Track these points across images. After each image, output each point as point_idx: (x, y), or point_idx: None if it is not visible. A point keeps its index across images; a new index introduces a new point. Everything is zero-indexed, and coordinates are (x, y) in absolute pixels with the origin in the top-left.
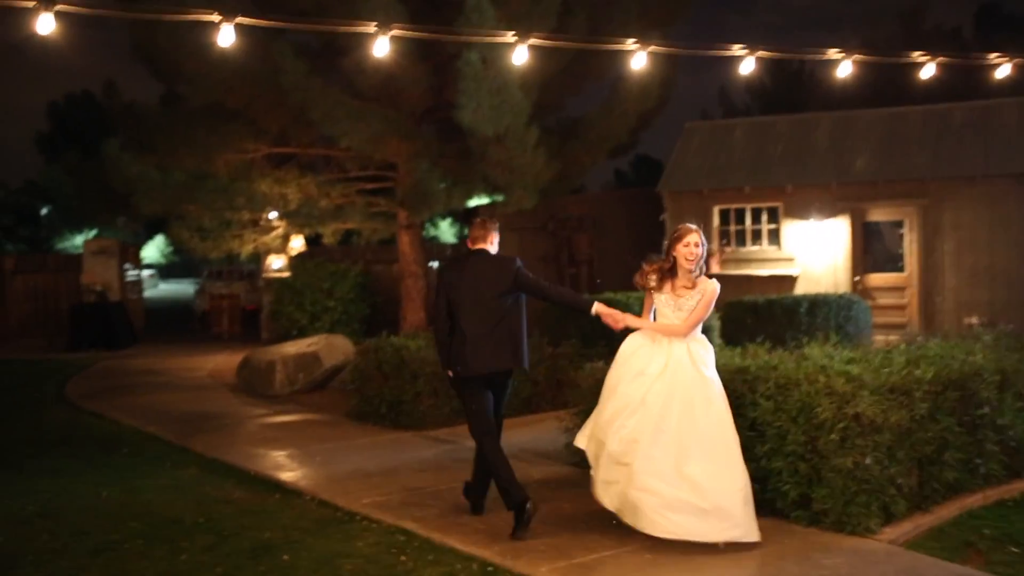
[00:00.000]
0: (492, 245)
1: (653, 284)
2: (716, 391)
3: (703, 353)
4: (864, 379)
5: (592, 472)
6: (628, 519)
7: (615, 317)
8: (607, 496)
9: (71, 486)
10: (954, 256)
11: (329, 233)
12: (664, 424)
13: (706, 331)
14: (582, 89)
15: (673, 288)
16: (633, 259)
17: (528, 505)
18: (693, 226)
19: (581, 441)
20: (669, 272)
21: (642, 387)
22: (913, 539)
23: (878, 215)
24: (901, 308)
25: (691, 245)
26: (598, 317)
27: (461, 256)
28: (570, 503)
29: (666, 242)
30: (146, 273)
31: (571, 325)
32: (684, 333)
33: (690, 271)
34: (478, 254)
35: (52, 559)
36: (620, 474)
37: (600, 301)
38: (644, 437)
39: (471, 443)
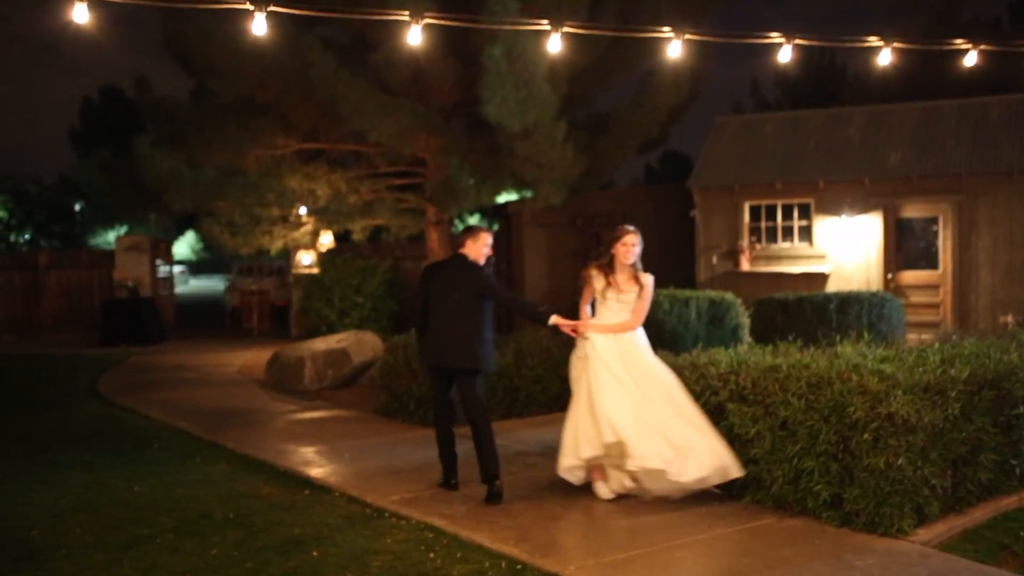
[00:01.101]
0: (472, 251)
1: (598, 282)
2: (661, 366)
3: (642, 338)
4: (897, 378)
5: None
6: (648, 484)
7: (571, 326)
8: (615, 483)
9: (103, 480)
10: (990, 253)
11: (358, 229)
12: (636, 399)
13: (736, 329)
14: (611, 84)
15: (615, 283)
16: (662, 256)
17: (451, 484)
18: (631, 228)
19: (570, 461)
20: (609, 267)
21: (610, 378)
22: (947, 541)
23: (912, 211)
24: (935, 306)
25: (628, 244)
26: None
27: (446, 258)
28: (599, 501)
29: (605, 244)
30: (177, 269)
31: None
32: (637, 326)
33: (628, 266)
34: (457, 258)
35: (85, 552)
36: (616, 455)
37: None
38: (626, 416)
39: (500, 440)
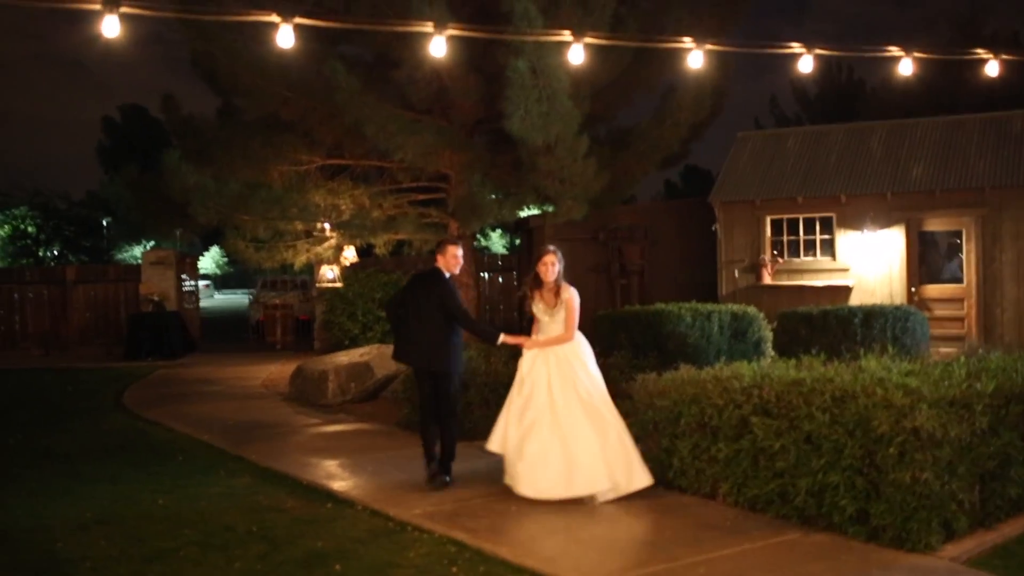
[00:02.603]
0: (443, 264)
1: (533, 301)
2: (586, 375)
3: (581, 347)
4: (923, 392)
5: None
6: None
7: (520, 342)
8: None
9: (128, 493)
10: (1014, 266)
11: (381, 244)
12: (547, 407)
13: (758, 342)
14: (633, 99)
15: (543, 298)
16: (684, 270)
17: (433, 481)
18: (551, 247)
19: (495, 445)
20: (536, 284)
21: (519, 399)
22: (976, 557)
23: (935, 225)
24: (959, 320)
25: (547, 263)
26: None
27: (428, 270)
28: (625, 515)
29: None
30: (202, 283)
31: (622, 335)
32: (571, 338)
33: (551, 283)
34: (433, 270)
35: (109, 565)
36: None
37: (651, 312)
38: (543, 420)
39: None
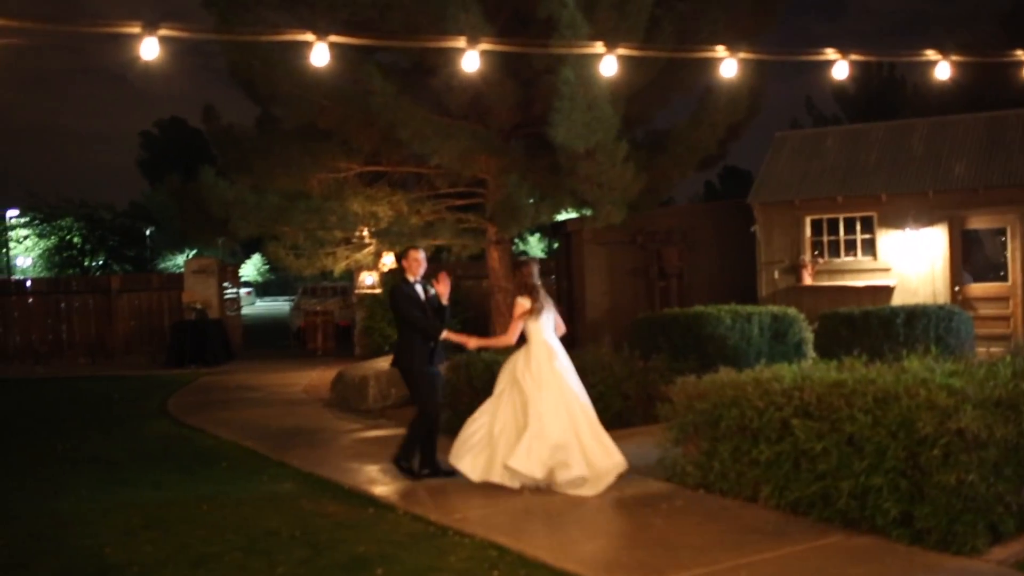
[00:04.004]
0: (409, 268)
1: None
2: (545, 377)
3: (540, 351)
4: (967, 392)
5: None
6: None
7: (461, 339)
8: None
9: (173, 498)
10: None
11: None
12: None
13: (799, 344)
14: (670, 102)
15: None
16: (724, 272)
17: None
18: (524, 259)
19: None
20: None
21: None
22: None
23: (978, 223)
24: (1004, 319)
25: (523, 275)
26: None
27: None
28: (662, 518)
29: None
30: (244, 291)
31: (661, 338)
32: (511, 341)
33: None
34: (401, 277)
35: (156, 569)
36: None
37: (690, 315)
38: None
39: None
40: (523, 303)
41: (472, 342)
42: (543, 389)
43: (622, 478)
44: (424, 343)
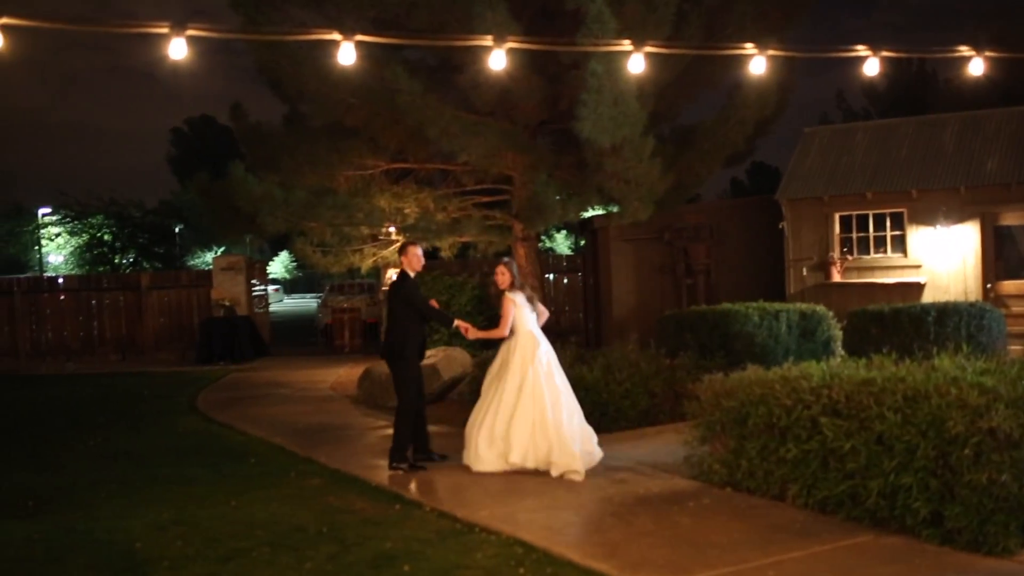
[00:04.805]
0: (407, 265)
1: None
2: (530, 369)
3: (526, 344)
4: (999, 391)
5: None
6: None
7: (466, 327)
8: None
9: (203, 494)
10: None
11: (446, 246)
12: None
13: (827, 341)
14: (697, 97)
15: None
16: (751, 269)
17: (403, 467)
18: (504, 259)
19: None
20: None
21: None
22: None
23: (1011, 219)
24: None
25: (496, 274)
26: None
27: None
28: (689, 517)
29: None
30: (272, 288)
31: (688, 336)
32: (504, 333)
33: (500, 290)
34: (401, 273)
35: (185, 564)
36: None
37: (717, 312)
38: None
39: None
40: (511, 298)
41: (472, 332)
42: (513, 380)
43: (647, 476)
44: (418, 335)
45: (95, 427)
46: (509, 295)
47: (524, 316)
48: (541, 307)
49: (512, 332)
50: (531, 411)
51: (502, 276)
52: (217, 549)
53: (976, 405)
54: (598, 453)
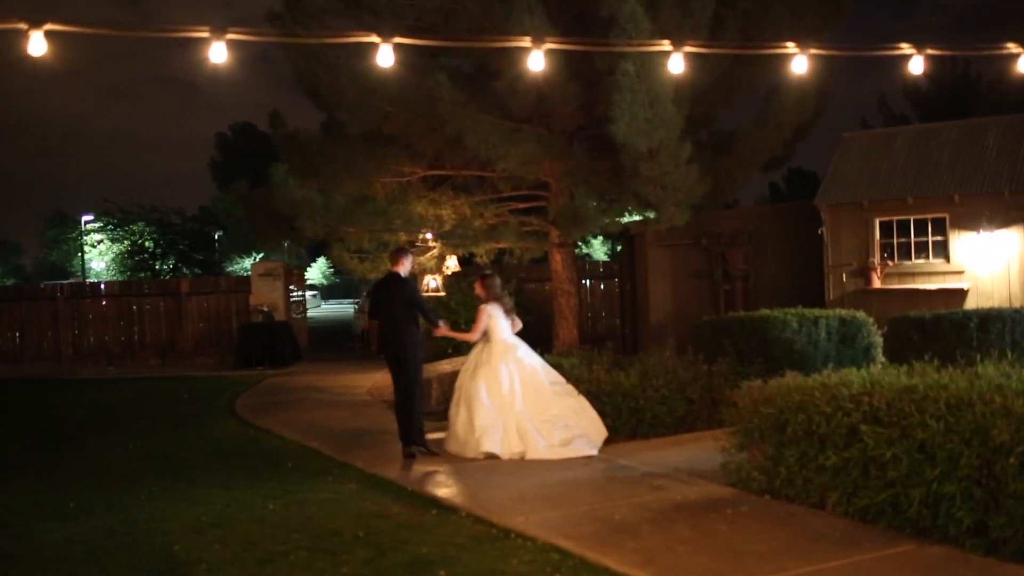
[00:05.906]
0: (402, 269)
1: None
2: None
3: (500, 349)
4: None
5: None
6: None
7: (443, 326)
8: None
9: (240, 497)
10: None
11: (482, 253)
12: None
13: (868, 348)
14: (734, 102)
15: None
16: (789, 274)
17: (411, 452)
18: (487, 271)
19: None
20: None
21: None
22: None
23: None
24: None
25: (475, 288)
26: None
27: (386, 276)
28: (727, 524)
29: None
30: (309, 294)
31: (726, 342)
32: (474, 338)
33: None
34: (392, 275)
35: (224, 567)
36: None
37: (755, 318)
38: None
39: (626, 461)
40: (488, 310)
41: (441, 331)
42: (482, 379)
43: (684, 483)
44: (418, 331)
45: (135, 431)
46: (484, 307)
47: (499, 325)
48: (516, 319)
49: (487, 338)
50: (498, 400)
51: (480, 290)
52: (254, 552)
53: (1022, 414)
54: (580, 450)
